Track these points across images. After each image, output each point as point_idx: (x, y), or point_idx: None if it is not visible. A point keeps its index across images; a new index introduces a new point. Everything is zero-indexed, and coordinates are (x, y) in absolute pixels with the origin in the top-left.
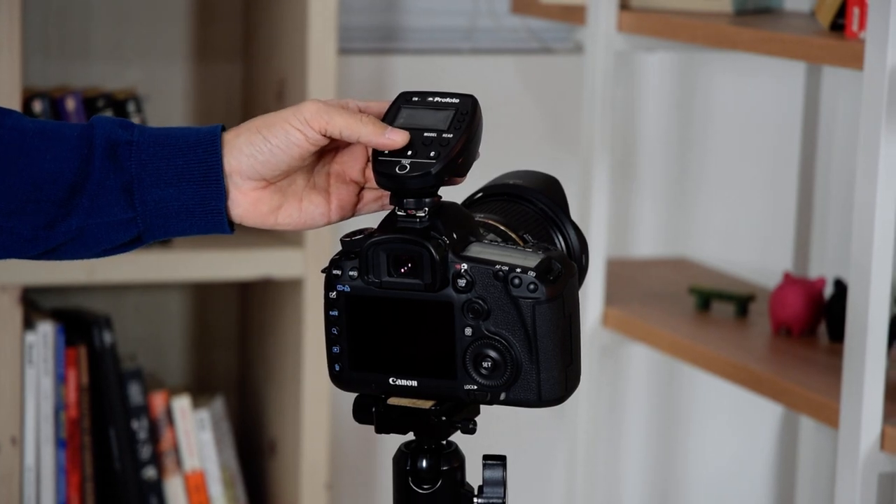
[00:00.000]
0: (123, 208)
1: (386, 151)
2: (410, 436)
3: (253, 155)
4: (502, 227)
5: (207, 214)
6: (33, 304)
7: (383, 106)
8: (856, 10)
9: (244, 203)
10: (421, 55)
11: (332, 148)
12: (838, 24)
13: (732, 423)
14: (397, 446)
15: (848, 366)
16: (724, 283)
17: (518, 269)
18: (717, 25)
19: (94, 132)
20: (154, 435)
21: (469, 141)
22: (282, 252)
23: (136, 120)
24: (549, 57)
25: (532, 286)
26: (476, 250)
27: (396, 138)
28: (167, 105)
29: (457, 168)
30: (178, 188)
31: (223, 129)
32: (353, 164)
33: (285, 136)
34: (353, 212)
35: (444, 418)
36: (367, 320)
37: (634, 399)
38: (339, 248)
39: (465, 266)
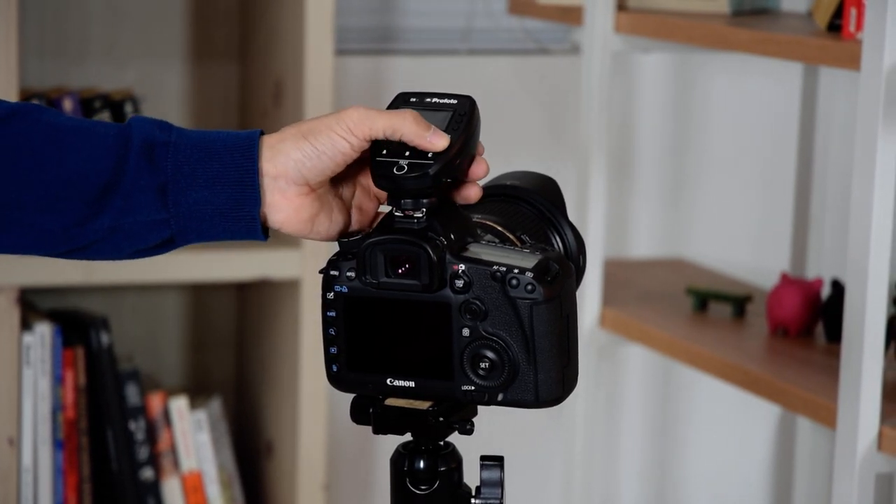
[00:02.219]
0: (157, 209)
1: (384, 152)
2: (408, 436)
3: (300, 160)
4: (500, 228)
5: (241, 220)
6: (30, 305)
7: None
8: (853, 11)
9: (287, 208)
10: (418, 56)
11: (360, 159)
12: (835, 25)
13: (729, 424)
14: (395, 447)
15: (845, 366)
16: (720, 283)
17: (515, 270)
18: (714, 26)
19: (132, 131)
20: (151, 436)
21: (467, 142)
22: (279, 253)
23: None
24: (546, 58)
25: (529, 287)
26: (473, 251)
27: (438, 142)
28: (164, 106)
29: (454, 169)
30: (213, 191)
31: (262, 133)
32: (370, 203)
33: (331, 143)
34: (370, 226)
35: (441, 419)
36: (364, 321)
37: (632, 400)
38: (337, 248)
39: (462, 267)
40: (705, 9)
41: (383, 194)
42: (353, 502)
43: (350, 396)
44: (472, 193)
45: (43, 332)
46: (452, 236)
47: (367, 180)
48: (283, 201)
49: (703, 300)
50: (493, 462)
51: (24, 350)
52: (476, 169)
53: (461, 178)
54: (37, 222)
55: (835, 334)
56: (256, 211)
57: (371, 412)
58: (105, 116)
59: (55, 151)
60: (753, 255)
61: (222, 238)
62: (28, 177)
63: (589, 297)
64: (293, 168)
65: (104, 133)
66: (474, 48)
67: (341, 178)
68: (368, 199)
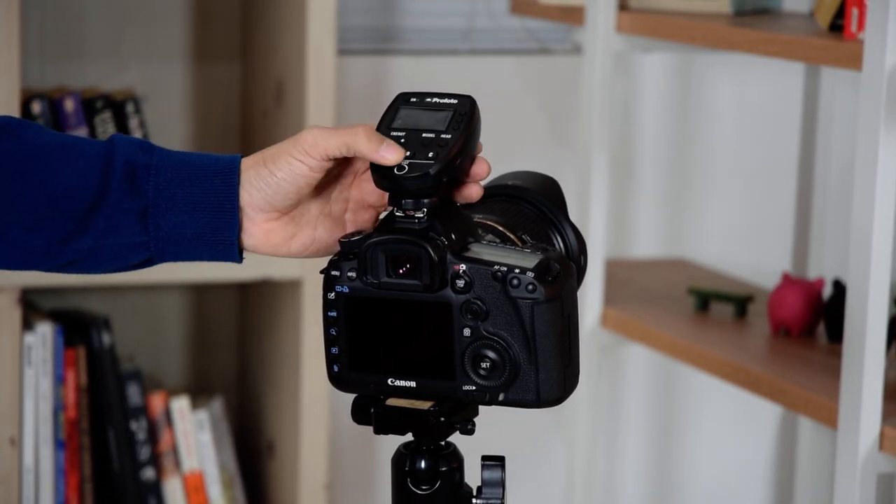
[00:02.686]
0: (137, 232)
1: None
2: (409, 436)
3: (261, 188)
4: (501, 228)
5: (219, 244)
6: (32, 305)
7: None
8: (854, 11)
9: (257, 234)
10: (419, 56)
11: (349, 173)
12: (837, 25)
13: (731, 424)
14: (396, 447)
15: (847, 366)
16: (722, 283)
17: (517, 270)
18: (716, 26)
19: (115, 152)
20: (153, 436)
21: (467, 141)
22: None
23: (134, 121)
24: (548, 57)
25: (530, 287)
26: (475, 251)
27: (389, 156)
28: (165, 106)
29: (455, 168)
30: (192, 216)
31: (242, 157)
32: (371, 189)
33: (289, 168)
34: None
35: (442, 419)
36: (365, 321)
37: (633, 400)
38: (338, 248)
39: (463, 267)
40: (707, 9)
41: (379, 203)
42: (354, 502)
43: (351, 396)
44: (473, 193)
45: (44, 332)
46: (453, 236)
47: (358, 193)
48: (252, 227)
49: (704, 300)
50: (494, 462)
51: (25, 350)
52: (477, 169)
53: (462, 178)
54: (19, 239)
55: (836, 334)
56: (234, 236)
57: (372, 412)
58: (107, 116)
59: (39, 170)
60: (755, 255)
61: (198, 259)
62: (11, 195)
63: (590, 296)
64: (256, 196)
65: (88, 153)
66: (476, 48)
67: (328, 196)
68: (364, 210)
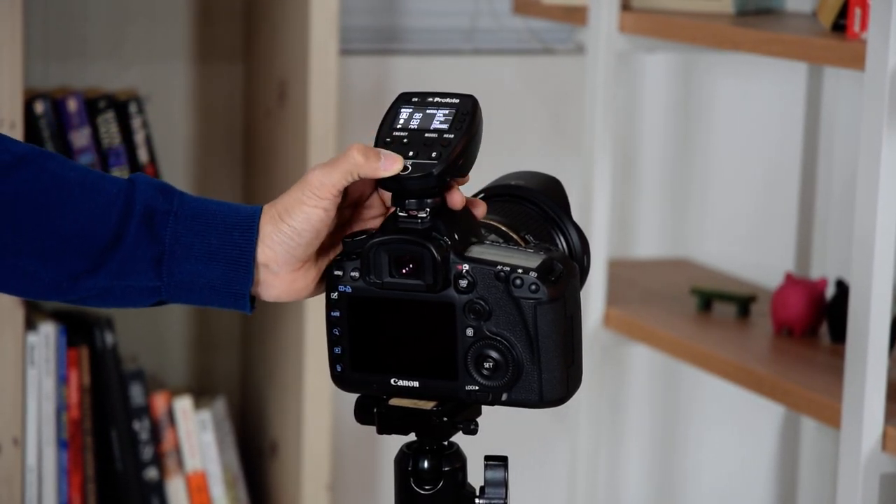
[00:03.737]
0: (150, 277)
1: (387, 152)
2: (412, 436)
3: (283, 242)
4: (504, 228)
5: (232, 295)
6: (35, 305)
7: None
8: (857, 11)
9: (280, 286)
10: (422, 56)
11: (349, 205)
12: (840, 25)
13: (734, 424)
14: (399, 447)
15: (849, 366)
16: (725, 283)
17: (519, 270)
18: (719, 26)
19: (135, 194)
20: (156, 436)
21: (470, 141)
22: None
23: (137, 121)
24: (551, 57)
25: (533, 287)
26: (477, 251)
27: (391, 166)
28: (168, 106)
29: (458, 168)
30: (207, 266)
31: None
32: (373, 216)
33: (304, 216)
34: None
35: (445, 419)
36: (368, 321)
37: (636, 400)
38: (341, 248)
39: (466, 267)
40: (709, 9)
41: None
42: (357, 502)
43: (354, 396)
44: (455, 200)
45: (47, 332)
46: (456, 236)
47: (360, 224)
48: (276, 281)
49: (707, 300)
50: (497, 462)
51: (28, 350)
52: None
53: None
54: (30, 270)
55: (839, 334)
56: (247, 289)
57: (375, 412)
58: (109, 116)
59: (58, 205)
60: (758, 255)
61: (209, 306)
62: (29, 226)
63: (593, 296)
64: (280, 252)
65: (108, 192)
66: (478, 48)
67: (335, 231)
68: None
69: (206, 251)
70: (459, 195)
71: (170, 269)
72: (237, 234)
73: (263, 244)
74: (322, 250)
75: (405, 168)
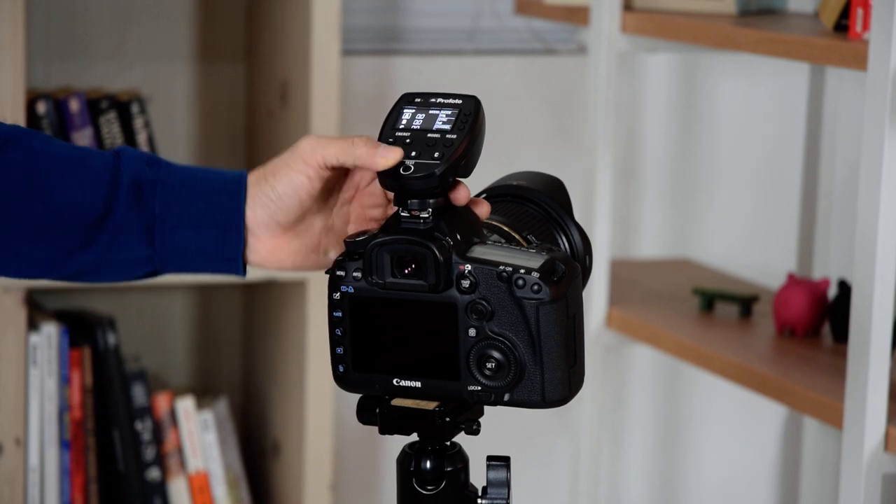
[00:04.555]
0: (142, 247)
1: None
2: (414, 437)
3: (265, 204)
4: (506, 228)
5: (223, 260)
6: (37, 306)
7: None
8: (859, 11)
9: (262, 251)
10: (424, 56)
11: (350, 187)
12: (842, 25)
13: (736, 424)
14: (401, 447)
15: (852, 366)
16: (727, 283)
17: (522, 270)
18: (721, 26)
19: (121, 166)
20: (158, 436)
21: (473, 142)
22: None
23: (139, 121)
24: (553, 58)
25: (536, 287)
26: (480, 251)
27: (389, 156)
28: (170, 106)
29: (460, 169)
30: (198, 231)
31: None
32: (372, 202)
33: (289, 180)
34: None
35: (447, 419)
36: (370, 321)
37: (638, 400)
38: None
39: (468, 267)
40: (712, 9)
41: (384, 216)
42: (359, 502)
43: (356, 396)
44: (460, 196)
45: (49, 332)
46: (458, 236)
47: (360, 208)
48: (257, 244)
49: (709, 300)
50: (499, 462)
51: (30, 350)
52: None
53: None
54: (23, 251)
55: (841, 334)
56: (239, 252)
57: (377, 412)
58: (112, 117)
59: (45, 183)
60: (760, 256)
61: (203, 272)
62: (18, 206)
63: (595, 297)
64: (260, 213)
65: (94, 167)
66: (480, 48)
67: (330, 208)
68: (366, 223)
69: (195, 217)
70: (465, 191)
71: (161, 237)
72: (225, 199)
73: (248, 206)
74: (308, 225)
75: (407, 167)
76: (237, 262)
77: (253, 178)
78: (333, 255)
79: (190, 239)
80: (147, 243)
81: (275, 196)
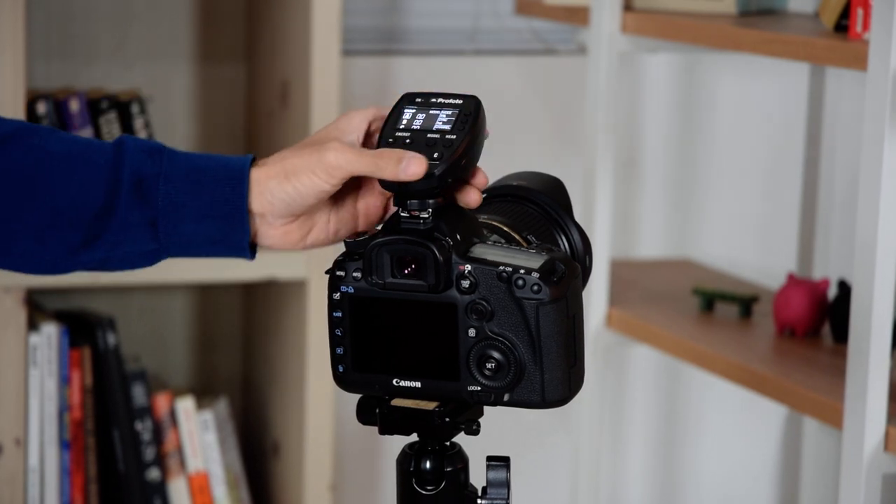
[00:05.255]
0: (147, 241)
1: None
2: (414, 437)
3: (283, 199)
4: (506, 229)
5: (230, 247)
6: (37, 306)
7: None
8: (859, 11)
9: (275, 236)
10: (424, 56)
11: (354, 185)
12: (842, 25)
13: (736, 424)
14: (401, 447)
15: (852, 367)
16: (727, 284)
17: (522, 271)
18: (721, 26)
19: (123, 160)
20: (158, 436)
21: (473, 142)
22: (285, 253)
23: (139, 121)
24: (553, 58)
25: (536, 287)
26: (480, 251)
27: (411, 170)
28: (170, 106)
29: (460, 169)
30: (203, 223)
31: (253, 160)
32: (375, 201)
33: (311, 183)
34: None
35: (447, 419)
36: (370, 321)
37: (638, 400)
38: (343, 249)
39: (468, 267)
40: (712, 9)
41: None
42: (359, 503)
43: (356, 397)
44: (471, 199)
45: (50, 332)
46: (458, 237)
47: (364, 206)
48: (270, 231)
49: (709, 300)
50: (499, 462)
51: (30, 350)
52: (477, 179)
53: (468, 180)
54: (28, 249)
55: (842, 335)
56: (245, 240)
57: (377, 412)
58: (112, 117)
59: (47, 180)
60: (760, 256)
61: (210, 256)
62: (19, 205)
63: (595, 297)
64: (278, 206)
65: (95, 162)
66: (481, 49)
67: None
68: (374, 197)
69: (199, 209)
70: (476, 195)
71: (166, 230)
72: (229, 189)
73: (262, 196)
74: (318, 209)
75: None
76: (244, 249)
77: (273, 171)
78: (344, 232)
79: (195, 231)
80: (152, 237)
81: (296, 194)
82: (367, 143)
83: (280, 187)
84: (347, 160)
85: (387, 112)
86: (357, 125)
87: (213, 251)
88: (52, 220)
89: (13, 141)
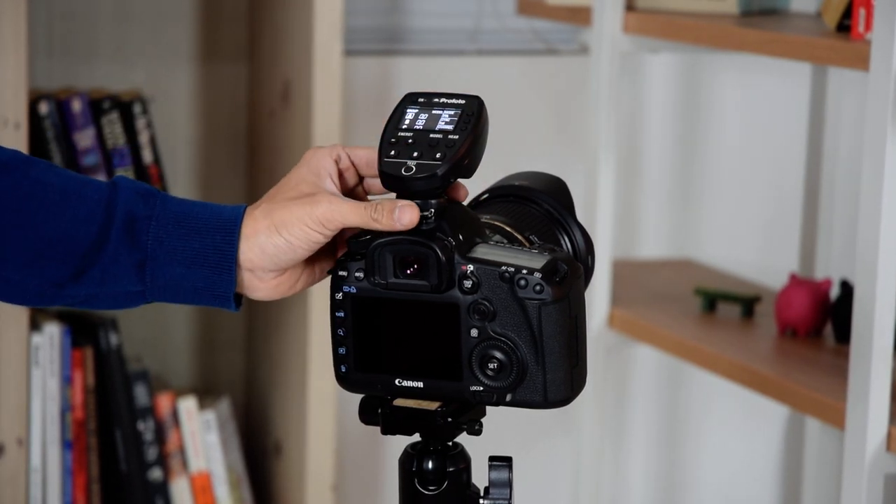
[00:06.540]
0: (133, 282)
1: (392, 153)
2: (416, 437)
3: (273, 254)
4: (508, 229)
5: (215, 297)
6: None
7: (370, 152)
8: (862, 11)
9: (265, 288)
10: (426, 56)
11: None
12: (844, 25)
13: (738, 425)
14: (403, 447)
15: (854, 367)
16: (729, 284)
17: (524, 271)
18: (723, 26)
19: (116, 200)
20: (160, 436)
21: (475, 142)
22: None
23: (141, 121)
24: (555, 58)
25: (538, 287)
26: (482, 251)
27: (406, 220)
28: (172, 106)
29: (463, 169)
30: (190, 270)
31: (245, 209)
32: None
33: (304, 235)
34: None
35: (449, 419)
36: (372, 321)
37: (640, 400)
38: (345, 249)
39: (471, 267)
40: (714, 9)
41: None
42: (361, 503)
43: (358, 397)
44: (459, 194)
45: (52, 332)
46: (461, 237)
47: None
48: (260, 284)
49: (711, 301)
50: (501, 462)
51: (32, 350)
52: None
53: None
54: (14, 278)
55: (844, 335)
56: (231, 291)
57: (379, 413)
58: (114, 117)
59: (38, 211)
60: (762, 256)
61: (195, 305)
62: (10, 233)
63: (597, 297)
64: (268, 261)
65: (89, 198)
66: (482, 49)
67: None
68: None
69: (188, 255)
70: (464, 189)
71: (153, 273)
72: (219, 238)
73: (252, 252)
74: (307, 260)
75: (409, 168)
76: (229, 300)
77: (261, 225)
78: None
79: (182, 277)
80: (138, 279)
81: (287, 247)
82: (342, 183)
83: (269, 241)
84: (342, 213)
85: (350, 151)
86: (327, 165)
87: (198, 299)
88: (42, 251)
89: (9, 170)
